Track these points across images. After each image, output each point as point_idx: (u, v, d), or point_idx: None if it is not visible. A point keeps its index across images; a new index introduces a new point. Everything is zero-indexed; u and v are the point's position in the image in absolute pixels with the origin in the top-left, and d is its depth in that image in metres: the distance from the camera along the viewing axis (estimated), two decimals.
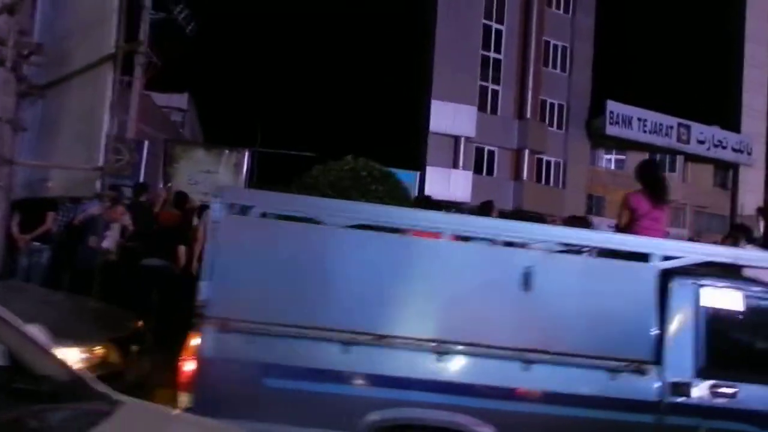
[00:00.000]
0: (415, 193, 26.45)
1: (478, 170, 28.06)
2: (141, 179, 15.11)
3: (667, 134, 30.44)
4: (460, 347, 3.17)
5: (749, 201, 33.27)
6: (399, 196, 6.69)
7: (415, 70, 27.49)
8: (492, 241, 3.41)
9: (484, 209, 7.55)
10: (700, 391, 3.22)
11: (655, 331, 3.27)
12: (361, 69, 28.28)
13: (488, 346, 3.17)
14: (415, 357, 3.16)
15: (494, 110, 28.59)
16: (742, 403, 3.23)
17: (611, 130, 29.10)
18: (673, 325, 3.30)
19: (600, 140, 30.50)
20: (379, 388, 3.14)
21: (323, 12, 31.59)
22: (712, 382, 3.24)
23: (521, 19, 28.85)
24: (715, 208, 33.47)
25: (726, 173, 33.90)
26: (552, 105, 29.75)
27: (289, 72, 35.77)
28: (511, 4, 28.72)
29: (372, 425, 3.10)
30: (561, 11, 30.11)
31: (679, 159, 32.09)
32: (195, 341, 3.12)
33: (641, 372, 3.20)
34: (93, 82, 6.33)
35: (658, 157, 31.96)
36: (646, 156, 31.82)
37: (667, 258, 3.32)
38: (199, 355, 3.10)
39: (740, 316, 3.43)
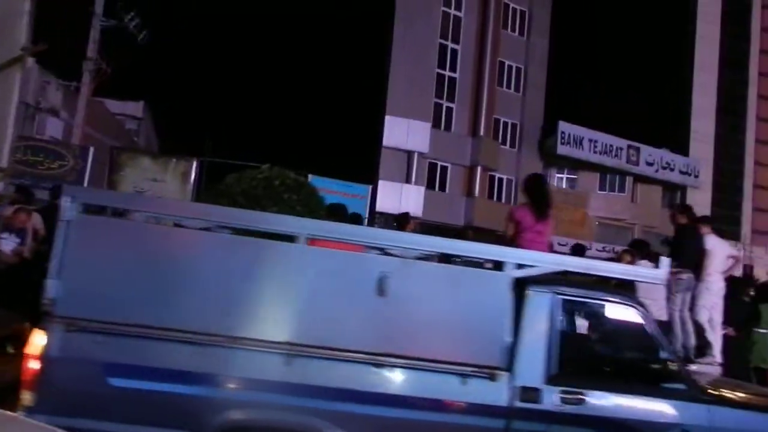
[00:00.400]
0: (367, 206, 26.59)
1: (431, 185, 28.30)
2: (85, 185, 14.86)
3: (617, 155, 31.25)
4: (312, 350, 3.17)
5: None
6: (313, 205, 6.72)
7: (370, 86, 27.67)
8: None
9: (400, 221, 7.64)
10: (549, 397, 3.29)
11: (507, 338, 3.33)
12: (317, 82, 28.38)
13: (341, 350, 3.18)
14: (267, 359, 3.15)
15: (448, 127, 28.96)
16: (591, 410, 3.30)
17: (562, 149, 29.74)
18: (526, 333, 3.36)
19: (552, 159, 31.11)
20: (229, 389, 3.12)
21: (280, 25, 31.64)
22: (562, 388, 3.31)
23: (477, 40, 29.39)
24: (663, 229, 34.33)
25: (674, 195, 34.90)
26: (506, 124, 30.29)
27: (244, 83, 35.56)
28: (467, 26, 29.25)
29: (221, 427, 3.08)
30: (516, 34, 30.77)
31: (629, 180, 32.92)
32: (40, 339, 3.07)
33: (492, 378, 3.25)
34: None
35: (608, 177, 32.87)
36: (596, 176, 32.71)
37: (521, 266, 3.40)
38: (43, 353, 3.04)
39: (592, 325, 3.53)
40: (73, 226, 3.08)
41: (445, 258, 3.67)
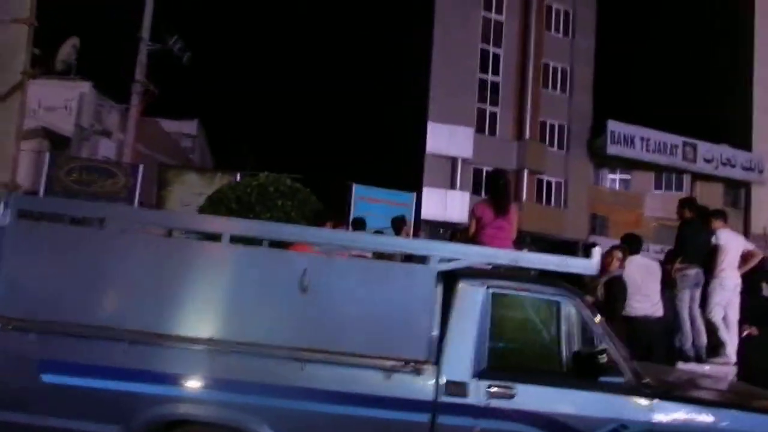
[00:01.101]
0: (412, 214, 26.59)
1: (476, 191, 28.00)
2: (136, 202, 15.61)
3: (672, 153, 30.04)
4: (236, 346, 3.24)
5: (763, 219, 32.50)
6: (307, 211, 6.80)
7: (412, 93, 27.76)
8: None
9: (396, 225, 7.65)
10: (477, 391, 3.22)
11: (433, 332, 3.29)
12: (359, 92, 28.70)
13: (264, 345, 3.23)
14: (192, 355, 3.24)
15: (492, 131, 28.65)
16: (521, 404, 3.22)
17: (612, 149, 28.85)
18: (455, 326, 3.31)
19: (602, 160, 30.26)
20: (156, 385, 3.22)
21: (322, 35, 32.25)
22: (490, 382, 3.24)
23: (519, 43, 29.04)
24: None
25: (737, 192, 33.18)
26: (552, 126, 29.67)
27: (289, 95, 36.41)
28: (509, 29, 28.94)
29: (148, 421, 3.18)
30: (560, 34, 30.18)
31: (686, 178, 31.54)
32: None
33: (417, 372, 3.22)
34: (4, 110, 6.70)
35: (664, 175, 31.61)
36: (651, 175, 31.53)
37: (445, 260, 3.36)
38: None
39: (523, 319, 3.43)
40: (8, 231, 3.26)
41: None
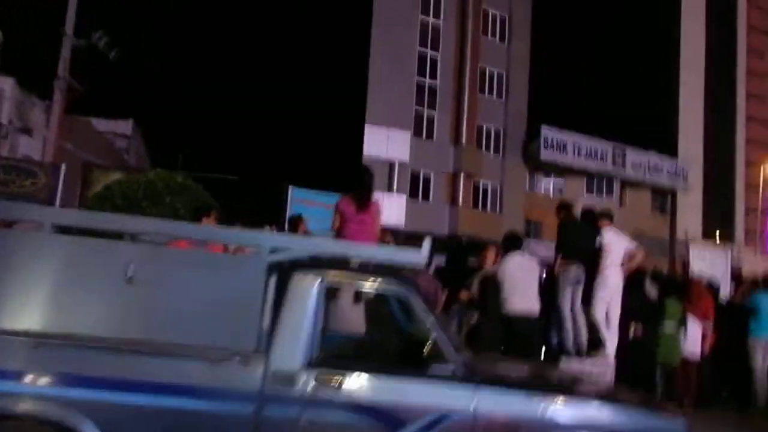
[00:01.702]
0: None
1: (413, 195, 28.24)
2: (57, 203, 15.02)
3: (602, 159, 31.01)
4: (54, 338, 3.15)
5: (689, 224, 33.93)
6: (199, 208, 6.69)
7: (349, 96, 27.77)
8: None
9: (292, 223, 7.64)
10: (305, 381, 3.22)
11: (262, 323, 3.28)
12: (298, 93, 28.52)
13: (86, 338, 3.15)
14: (8, 347, 3.13)
15: (430, 135, 28.94)
16: (348, 394, 3.23)
17: (546, 155, 29.57)
18: (286, 317, 3.30)
19: (537, 165, 30.95)
20: None
21: (257, 35, 31.94)
22: (319, 372, 3.25)
23: (456, 48, 29.44)
24: (655, 233, 33.93)
25: (664, 197, 34.52)
26: (489, 130, 30.20)
27: (225, 96, 35.81)
28: (446, 33, 29.32)
29: None
30: (497, 39, 30.78)
31: (616, 183, 32.63)
32: None
33: (245, 362, 3.20)
34: None
35: (595, 181, 32.60)
36: (584, 180, 32.46)
37: (275, 251, 3.36)
38: None
39: (357, 310, 3.46)
40: None
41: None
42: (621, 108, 31.65)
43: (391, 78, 27.36)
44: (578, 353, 6.67)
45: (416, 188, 28.47)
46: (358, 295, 3.52)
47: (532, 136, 30.37)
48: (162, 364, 3.17)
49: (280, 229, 7.54)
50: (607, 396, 3.64)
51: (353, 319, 3.55)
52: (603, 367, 6.63)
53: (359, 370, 3.31)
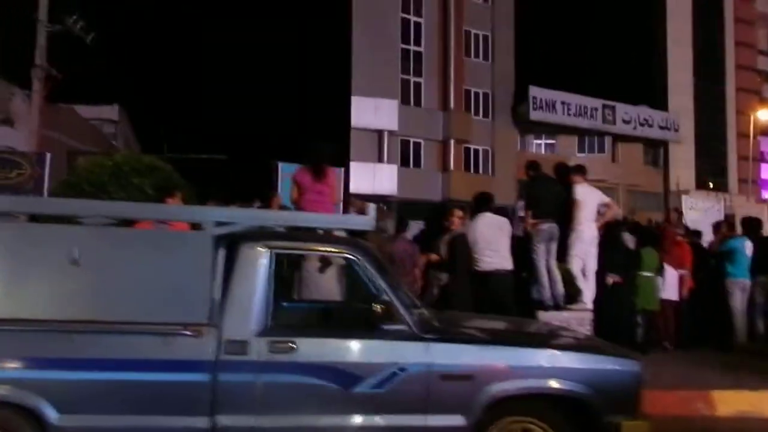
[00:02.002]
0: (341, 190, 26.39)
1: (405, 163, 28.17)
2: (45, 193, 14.96)
3: (592, 116, 30.87)
4: (9, 323, 3.18)
5: (681, 176, 33.92)
6: (164, 188, 6.68)
7: (333, 67, 27.50)
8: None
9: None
10: (258, 348, 3.27)
11: (212, 295, 3.32)
12: (279, 68, 28.28)
13: (37, 320, 3.18)
14: None
15: (418, 102, 28.73)
16: (301, 357, 3.29)
17: (535, 115, 29.44)
18: (236, 288, 3.34)
19: (527, 126, 30.83)
20: None
21: (237, 12, 31.52)
22: (271, 339, 3.29)
23: (439, 11, 29.04)
24: (648, 186, 33.99)
25: (657, 151, 34.45)
26: (477, 94, 29.98)
27: (208, 77, 35.52)
28: None
29: None
30: (480, 0, 30.34)
31: (608, 140, 32.53)
32: None
33: (198, 334, 3.24)
34: None
35: (586, 139, 32.51)
36: (575, 139, 32.36)
37: (220, 224, 3.38)
38: None
39: (310, 276, 3.49)
40: None
41: None
42: (609, 65, 31.36)
43: (375, 46, 27.04)
44: (556, 306, 6.76)
45: (407, 156, 28.39)
46: (309, 263, 3.55)
47: (520, 97, 30.17)
48: (116, 341, 3.22)
49: (264, 205, 7.52)
50: (560, 344, 3.69)
51: (306, 286, 3.58)
52: (581, 315, 6.73)
53: (312, 334, 3.38)
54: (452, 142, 28.67)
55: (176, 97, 36.37)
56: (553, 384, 3.43)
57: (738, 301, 7.70)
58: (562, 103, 30.03)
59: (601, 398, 3.42)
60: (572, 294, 6.78)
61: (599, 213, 7.10)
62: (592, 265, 6.96)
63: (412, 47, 28.66)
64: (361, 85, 26.77)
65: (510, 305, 6.12)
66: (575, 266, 6.82)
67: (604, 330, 7.30)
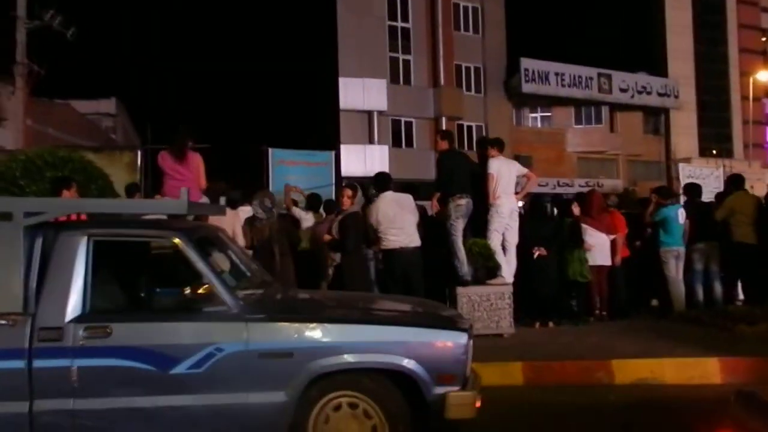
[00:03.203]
0: (332, 172, 26.48)
1: (397, 143, 28.02)
2: None
3: (587, 86, 30.35)
4: None
5: (683, 144, 33.30)
6: (84, 180, 6.76)
7: (319, 49, 27.34)
8: None
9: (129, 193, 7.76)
10: (73, 334, 3.32)
11: (28, 284, 3.36)
12: (266, 53, 28.18)
13: None
14: None
15: (407, 80, 28.47)
16: (116, 341, 3.32)
17: (527, 87, 29.03)
18: (51, 277, 3.38)
19: (521, 99, 30.45)
20: None
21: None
22: (87, 324, 3.34)
23: None
24: (650, 155, 33.45)
25: (657, 119, 33.82)
26: (468, 69, 29.60)
27: (194, 63, 35.48)
28: None
29: None
30: None
31: (605, 109, 31.98)
32: None
33: (12, 323, 3.30)
34: None
35: (583, 109, 31.99)
36: (571, 110, 31.86)
37: (30, 214, 3.40)
38: None
39: (128, 263, 3.50)
40: None
41: None
42: (605, 32, 30.77)
43: (361, 25, 26.79)
44: (475, 280, 6.72)
45: (399, 136, 28.22)
46: (128, 248, 3.57)
47: (512, 70, 29.76)
48: None
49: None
50: (385, 319, 3.66)
51: (124, 272, 3.60)
52: (500, 291, 6.69)
53: (129, 318, 3.42)
54: (444, 119, 28.37)
55: (165, 85, 36.44)
56: (375, 358, 3.42)
57: (672, 269, 7.57)
58: (556, 73, 29.55)
59: (427, 371, 3.40)
60: (492, 269, 6.72)
61: (519, 185, 7.02)
62: (513, 239, 6.89)
63: (400, 24, 28.32)
64: (349, 66, 26.58)
65: (418, 281, 6.11)
66: (494, 241, 6.75)
67: (534, 303, 7.31)
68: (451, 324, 3.67)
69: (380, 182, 6.42)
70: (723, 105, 34.19)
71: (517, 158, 31.18)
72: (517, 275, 7.00)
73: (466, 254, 6.67)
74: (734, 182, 8.00)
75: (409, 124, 28.45)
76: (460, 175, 6.63)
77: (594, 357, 5.71)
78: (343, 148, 26.26)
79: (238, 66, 30.08)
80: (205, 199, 5.41)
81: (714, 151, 32.99)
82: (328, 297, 4.35)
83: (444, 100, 28.27)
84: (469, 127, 29.51)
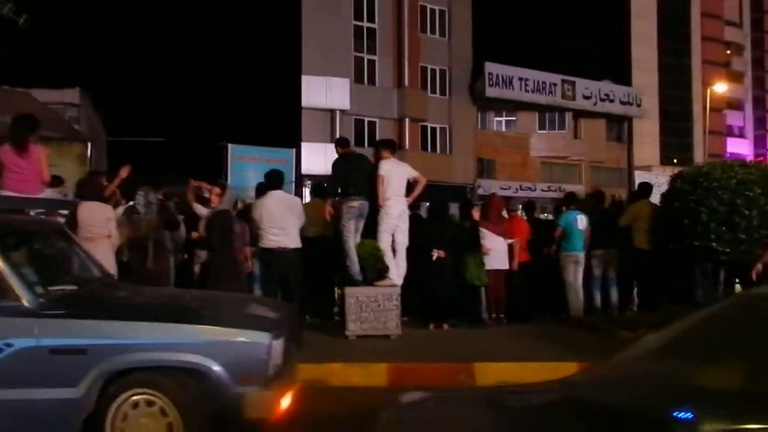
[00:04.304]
0: (292, 170, 26.34)
1: (359, 142, 27.94)
2: None
3: (551, 92, 30.59)
4: None
5: (645, 152, 33.75)
6: None
7: (283, 47, 27.23)
8: None
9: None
10: None
11: None
12: (229, 48, 28.02)
13: None
14: None
15: (372, 81, 28.45)
16: None
17: (491, 91, 29.18)
18: None
19: (486, 103, 30.59)
20: None
21: None
22: None
23: None
24: (612, 162, 33.83)
25: (621, 127, 34.22)
26: (433, 71, 29.65)
27: (154, 56, 35.12)
28: None
29: None
30: None
31: (568, 116, 32.26)
32: None
33: None
34: None
35: (547, 115, 32.25)
36: (535, 116, 32.10)
37: None
38: None
39: None
40: None
41: None
42: (571, 41, 31.06)
43: (326, 24, 26.72)
44: (364, 281, 6.73)
45: (362, 135, 28.15)
46: None
47: (478, 74, 29.88)
48: None
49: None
50: (186, 318, 3.62)
51: None
52: (388, 292, 6.69)
53: None
54: (407, 120, 28.43)
55: (129, 78, 36.00)
56: (170, 357, 3.41)
57: (571, 274, 7.65)
58: (520, 79, 29.74)
59: (225, 370, 3.39)
60: (381, 270, 6.72)
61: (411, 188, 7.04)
62: (403, 240, 6.89)
63: (366, 24, 28.30)
64: (313, 64, 26.49)
65: (296, 283, 6.09)
66: (384, 242, 6.75)
67: (432, 305, 7.33)
68: (254, 324, 3.65)
69: (272, 180, 6.40)
70: (685, 115, 34.72)
71: (480, 161, 31.52)
72: (413, 277, 7.02)
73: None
74: (642, 190, 8.10)
75: (372, 124, 28.43)
76: (356, 178, 6.65)
77: (467, 360, 5.74)
78: (304, 146, 26.24)
79: (201, 61, 29.85)
80: (51, 193, 5.34)
81: (675, 160, 33.49)
82: (154, 295, 4.30)
83: (408, 101, 28.30)
84: (433, 129, 29.59)
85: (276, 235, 6.05)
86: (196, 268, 6.24)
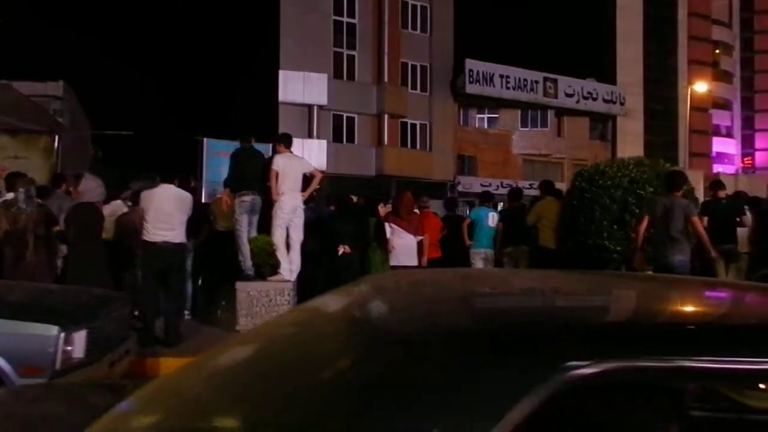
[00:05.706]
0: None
1: (338, 138, 27.91)
2: None
3: (532, 89, 30.43)
4: None
5: (629, 150, 33.53)
6: None
7: (261, 41, 27.16)
8: None
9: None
10: None
11: None
12: (205, 42, 27.95)
13: None
14: None
15: (351, 76, 28.34)
16: None
17: (471, 88, 29.04)
18: None
19: (467, 100, 30.45)
20: None
21: None
22: None
23: None
24: (595, 160, 33.55)
25: (604, 125, 34.03)
26: (414, 67, 29.51)
27: (131, 49, 34.98)
28: None
29: None
30: None
31: (550, 113, 32.10)
32: None
33: None
34: None
35: (529, 112, 32.09)
36: (518, 113, 31.96)
37: None
38: None
39: None
40: None
41: None
42: (556, 39, 30.93)
43: (305, 18, 26.63)
44: (258, 275, 6.69)
45: (340, 131, 28.11)
46: None
47: (459, 70, 29.74)
48: None
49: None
50: None
51: None
52: (280, 287, 6.65)
53: None
54: (386, 116, 28.33)
55: (107, 71, 35.83)
56: None
57: None
58: (501, 76, 29.60)
59: (8, 361, 3.35)
60: (273, 265, 6.68)
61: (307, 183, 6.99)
62: (298, 235, 6.84)
63: (345, 19, 28.19)
64: (291, 59, 26.40)
65: (175, 278, 6.08)
66: (277, 237, 6.70)
67: None
68: (43, 318, 3.60)
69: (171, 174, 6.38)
70: (670, 114, 34.51)
71: (461, 158, 31.43)
72: (308, 271, 6.97)
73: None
74: (545, 188, 8.02)
75: (351, 120, 28.35)
76: (247, 173, 6.61)
77: None
78: None
79: (178, 54, 29.77)
80: None
81: (661, 160, 33.29)
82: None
83: (387, 97, 28.19)
84: (413, 125, 29.47)
85: (161, 229, 5.98)
86: (59, 262, 6.19)
